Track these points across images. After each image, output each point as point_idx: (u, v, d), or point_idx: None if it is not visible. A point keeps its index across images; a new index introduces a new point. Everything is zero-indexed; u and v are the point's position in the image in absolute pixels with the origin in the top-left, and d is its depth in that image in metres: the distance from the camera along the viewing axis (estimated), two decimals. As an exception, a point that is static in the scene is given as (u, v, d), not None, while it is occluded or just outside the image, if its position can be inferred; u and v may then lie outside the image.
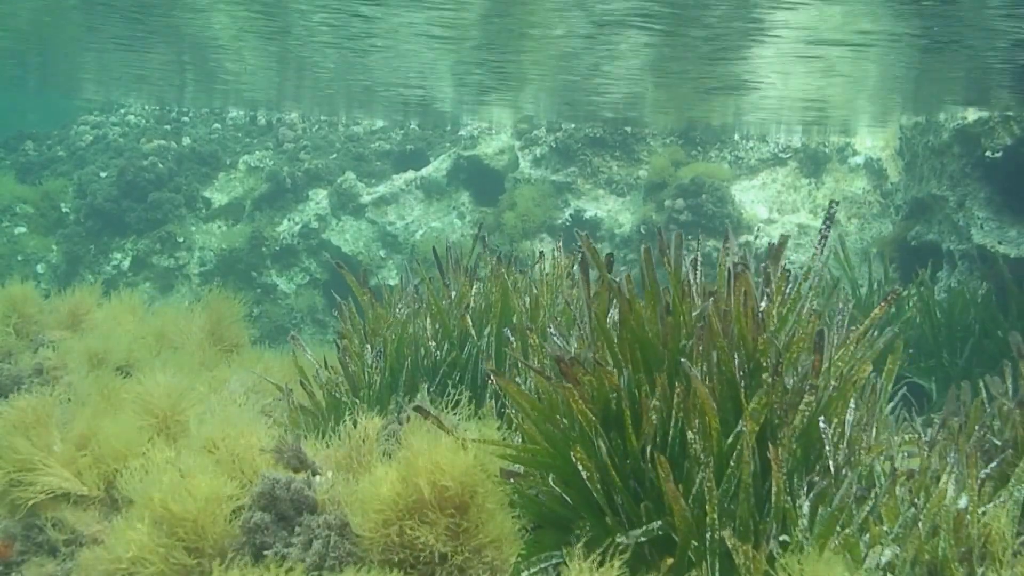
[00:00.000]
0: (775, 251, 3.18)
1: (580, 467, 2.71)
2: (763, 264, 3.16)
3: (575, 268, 4.45)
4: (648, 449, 2.80)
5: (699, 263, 3.18)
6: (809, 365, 2.82)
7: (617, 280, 2.98)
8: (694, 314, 2.98)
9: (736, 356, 2.87)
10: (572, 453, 2.72)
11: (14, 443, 3.32)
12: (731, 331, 2.87)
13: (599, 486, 2.74)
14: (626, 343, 2.93)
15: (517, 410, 3.11)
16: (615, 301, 3.10)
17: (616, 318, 3.00)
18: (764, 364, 2.85)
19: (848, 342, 3.05)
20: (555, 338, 3.16)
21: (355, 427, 3.13)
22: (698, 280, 3.13)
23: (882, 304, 3.09)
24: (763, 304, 3.05)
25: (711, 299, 2.89)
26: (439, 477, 2.66)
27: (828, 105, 10.95)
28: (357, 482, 2.91)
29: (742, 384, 2.86)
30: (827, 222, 3.23)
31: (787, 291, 3.09)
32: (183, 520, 2.83)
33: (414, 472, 2.68)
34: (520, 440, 3.30)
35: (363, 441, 3.07)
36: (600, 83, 10.07)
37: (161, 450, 3.26)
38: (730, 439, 2.77)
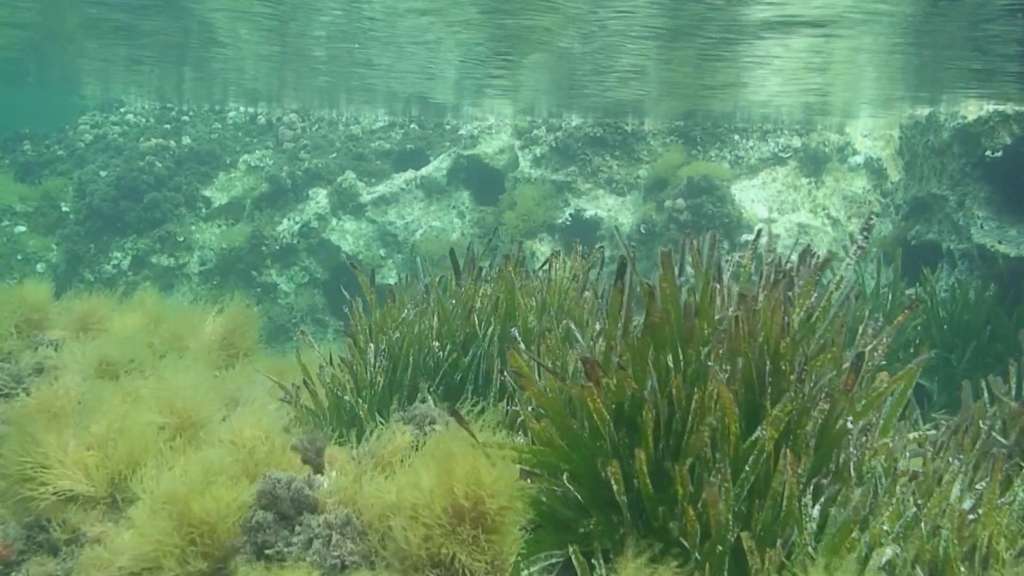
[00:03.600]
0: (818, 266, 3.17)
1: (612, 479, 2.72)
2: (788, 267, 3.16)
3: (580, 270, 4.45)
4: (661, 450, 2.81)
5: (723, 266, 3.18)
6: (826, 372, 2.83)
7: (651, 285, 2.98)
8: (716, 317, 2.98)
9: (759, 361, 2.88)
10: (608, 467, 2.72)
11: (36, 436, 3.30)
12: (758, 334, 2.88)
13: (624, 495, 2.75)
14: (647, 347, 2.93)
15: (534, 409, 3.12)
16: (624, 303, 3.10)
17: (639, 322, 3.01)
18: (784, 369, 2.85)
19: (873, 353, 3.05)
20: (577, 339, 3.17)
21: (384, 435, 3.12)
22: (724, 283, 3.14)
23: (905, 311, 3.08)
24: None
25: (739, 303, 2.89)
26: (478, 490, 2.66)
27: (830, 83, 10.92)
28: (366, 485, 2.91)
29: (769, 389, 2.86)
30: (864, 233, 3.21)
31: (814, 299, 3.08)
32: (202, 522, 2.84)
33: (451, 480, 2.67)
34: (523, 440, 3.30)
35: (387, 444, 3.07)
36: (605, 54, 9.98)
37: (179, 452, 3.26)
38: (746, 443, 2.77)
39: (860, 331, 3.15)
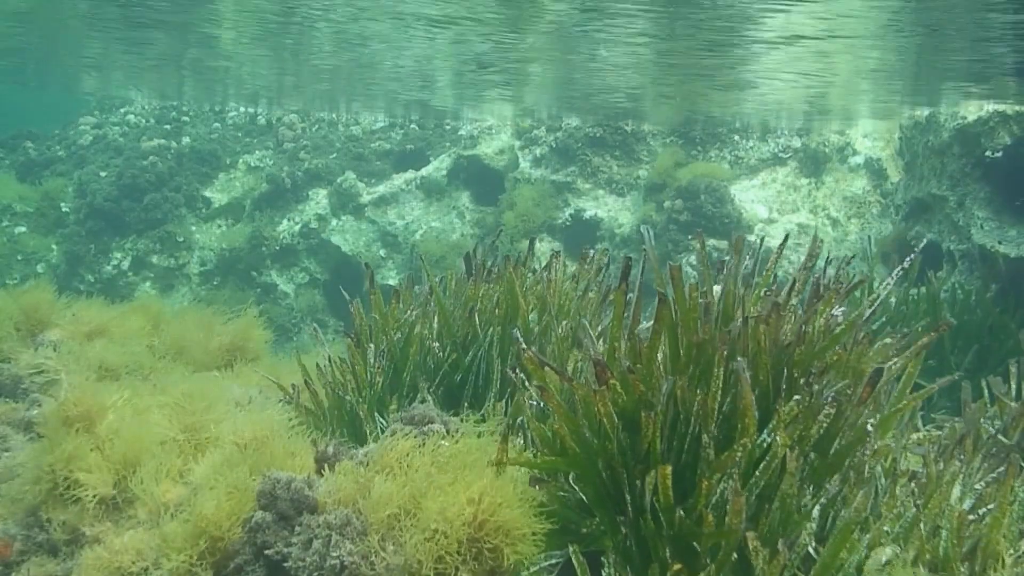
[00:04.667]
0: (848, 287, 3.17)
1: (644, 489, 2.73)
2: (817, 277, 3.17)
3: (583, 272, 4.45)
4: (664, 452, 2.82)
5: (752, 272, 3.18)
6: (835, 378, 2.83)
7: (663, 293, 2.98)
8: (727, 327, 2.98)
9: (776, 367, 2.89)
10: (646, 479, 2.73)
11: (67, 443, 3.33)
12: (780, 340, 2.88)
13: (642, 500, 2.75)
14: (655, 350, 2.93)
15: (546, 409, 3.12)
16: (634, 304, 3.11)
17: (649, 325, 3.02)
18: (796, 375, 2.86)
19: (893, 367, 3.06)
20: (591, 338, 3.17)
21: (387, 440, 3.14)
22: (744, 288, 3.14)
23: (933, 333, 3.08)
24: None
25: (771, 310, 2.89)
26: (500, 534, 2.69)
27: (830, 85, 10.91)
28: (376, 487, 2.92)
29: (783, 393, 2.87)
30: (912, 255, 3.20)
31: (838, 310, 3.08)
32: (217, 539, 2.86)
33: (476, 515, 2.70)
34: (523, 441, 3.31)
35: (390, 450, 3.08)
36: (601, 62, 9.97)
37: (192, 460, 3.29)
38: (755, 445, 2.78)
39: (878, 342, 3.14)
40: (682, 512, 2.72)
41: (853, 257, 3.48)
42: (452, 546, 2.67)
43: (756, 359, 2.87)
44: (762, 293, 3.22)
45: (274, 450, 3.22)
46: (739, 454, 2.69)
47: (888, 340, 3.06)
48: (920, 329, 3.29)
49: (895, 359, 3.06)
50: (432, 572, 2.66)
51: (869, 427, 2.82)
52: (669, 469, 2.69)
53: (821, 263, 3.30)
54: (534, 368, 3.05)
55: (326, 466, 3.22)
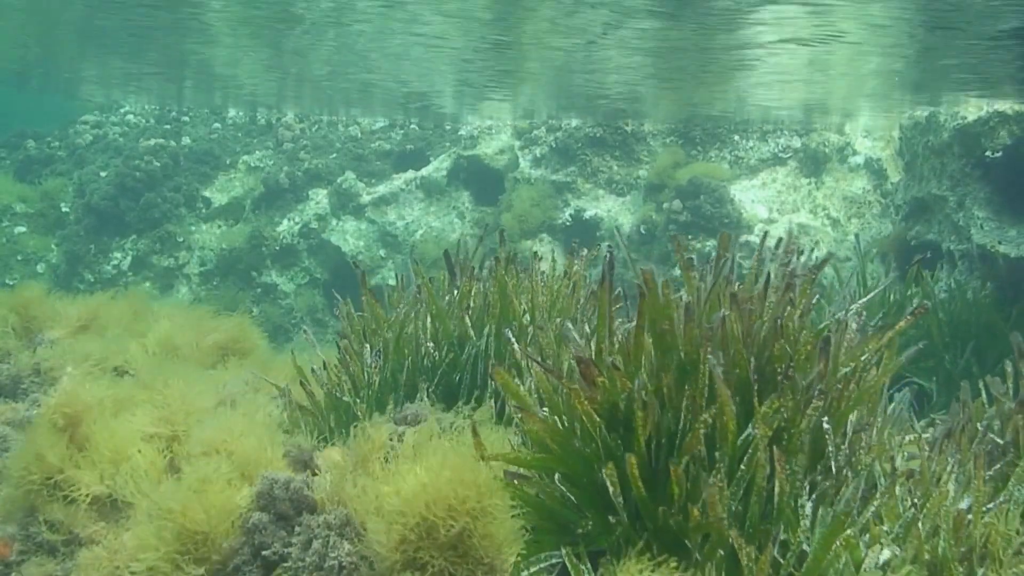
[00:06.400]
0: (816, 267, 3.18)
1: (608, 481, 2.72)
2: (790, 269, 3.17)
3: (574, 271, 4.45)
4: (654, 449, 2.81)
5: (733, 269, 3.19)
6: (816, 372, 2.83)
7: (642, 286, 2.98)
8: (707, 320, 2.98)
9: (753, 360, 2.88)
10: (604, 470, 2.72)
11: (39, 444, 3.33)
12: (758, 335, 2.88)
13: (621, 496, 2.75)
14: (641, 347, 2.93)
15: (522, 411, 3.12)
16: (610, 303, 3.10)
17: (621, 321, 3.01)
18: (778, 369, 2.86)
19: (866, 349, 3.05)
20: (574, 337, 3.17)
21: (363, 432, 3.12)
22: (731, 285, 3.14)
23: (908, 317, 3.08)
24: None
25: (730, 303, 2.89)
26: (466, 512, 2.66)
27: (829, 79, 10.87)
28: (356, 483, 2.91)
29: (756, 387, 2.86)
30: (915, 263, 3.21)
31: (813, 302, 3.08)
32: (196, 532, 2.85)
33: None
34: (521, 439, 3.30)
35: (370, 441, 3.07)
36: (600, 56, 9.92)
37: (167, 451, 3.28)
38: (739, 441, 2.77)
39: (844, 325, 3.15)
40: (669, 509, 2.72)
41: (822, 250, 3.49)
42: (412, 521, 2.62)
43: (733, 353, 2.87)
44: (726, 289, 3.22)
45: (246, 451, 3.19)
46: (702, 431, 2.68)
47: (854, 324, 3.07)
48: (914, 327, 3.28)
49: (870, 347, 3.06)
50: (399, 554, 2.62)
51: (825, 424, 2.82)
52: (635, 460, 2.68)
53: (798, 259, 3.31)
54: (503, 380, 3.03)
55: (322, 464, 3.22)
